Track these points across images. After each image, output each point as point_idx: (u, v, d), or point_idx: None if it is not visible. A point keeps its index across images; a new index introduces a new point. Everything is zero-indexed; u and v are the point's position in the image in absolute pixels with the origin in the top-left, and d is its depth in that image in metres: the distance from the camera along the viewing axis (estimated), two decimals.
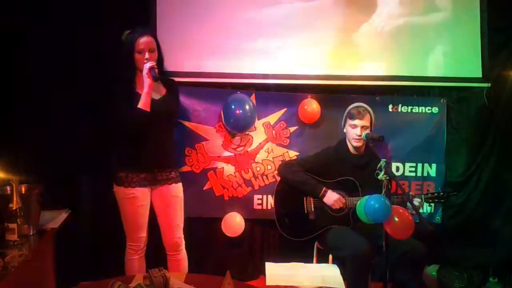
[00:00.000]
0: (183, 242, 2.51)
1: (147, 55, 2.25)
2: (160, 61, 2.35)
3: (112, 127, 2.38)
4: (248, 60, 2.95)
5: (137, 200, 2.35)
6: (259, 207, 3.01)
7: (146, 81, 2.23)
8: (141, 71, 2.26)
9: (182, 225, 2.50)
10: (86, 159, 2.82)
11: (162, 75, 2.39)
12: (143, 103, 2.24)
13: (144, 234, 2.42)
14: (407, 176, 3.03)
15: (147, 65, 2.22)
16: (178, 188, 2.46)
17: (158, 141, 2.35)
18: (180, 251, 2.49)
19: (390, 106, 3.02)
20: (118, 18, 2.76)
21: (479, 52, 2.99)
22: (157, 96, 2.35)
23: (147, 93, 2.24)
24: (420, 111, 3.02)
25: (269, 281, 2.24)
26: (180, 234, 2.49)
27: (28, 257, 1.82)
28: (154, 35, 2.34)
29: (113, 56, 2.75)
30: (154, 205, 2.45)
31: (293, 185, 2.65)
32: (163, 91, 2.40)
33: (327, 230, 2.59)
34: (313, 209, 2.65)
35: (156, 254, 2.54)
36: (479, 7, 2.98)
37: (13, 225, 1.91)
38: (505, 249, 3.05)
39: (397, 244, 2.34)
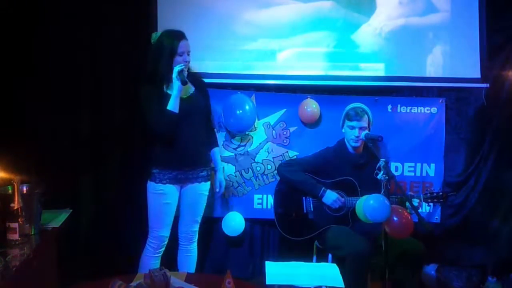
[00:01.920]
0: (197, 236, 2.58)
1: (186, 58, 2.34)
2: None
3: (145, 125, 2.41)
4: (248, 60, 2.96)
5: (165, 197, 2.41)
6: (259, 206, 3.02)
7: (176, 83, 2.29)
8: None
9: (199, 221, 2.57)
10: (87, 159, 2.82)
11: (190, 75, 2.45)
12: (172, 105, 2.29)
13: (165, 233, 2.46)
14: (406, 176, 3.04)
15: (176, 69, 2.28)
16: (206, 186, 2.54)
17: (190, 139, 2.40)
18: (192, 243, 2.57)
19: (389, 107, 3.03)
20: (119, 18, 2.78)
21: (478, 53, 3.00)
22: (186, 94, 2.41)
23: (176, 95, 2.30)
24: (419, 111, 3.03)
25: (269, 280, 2.25)
26: (196, 228, 2.56)
27: (29, 256, 1.83)
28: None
29: (113, 56, 2.78)
30: (180, 199, 2.50)
31: (292, 184, 2.66)
32: (191, 89, 2.46)
33: (326, 229, 2.60)
34: (312, 209, 2.66)
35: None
36: (478, 8, 2.99)
37: (15, 225, 1.92)
38: (504, 249, 3.06)
39: (396, 244, 2.35)
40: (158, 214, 2.43)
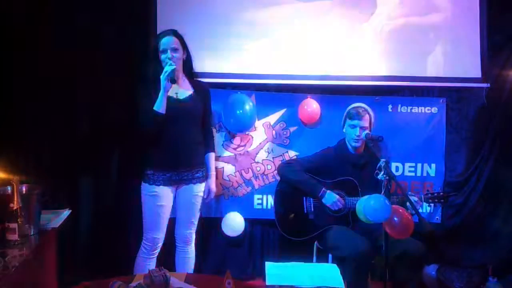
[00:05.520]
0: (194, 237, 2.56)
1: (169, 55, 2.30)
2: (188, 61, 2.42)
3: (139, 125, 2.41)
4: (248, 60, 2.95)
5: (158, 199, 2.38)
6: (259, 206, 3.02)
7: (163, 83, 2.27)
8: None
9: (196, 222, 2.54)
10: (86, 159, 2.82)
11: (191, 76, 2.45)
12: (158, 105, 2.27)
13: (158, 235, 2.43)
14: (406, 176, 3.03)
15: (165, 68, 2.26)
16: (201, 187, 2.51)
17: (184, 140, 2.38)
18: (189, 244, 2.54)
19: (390, 106, 3.03)
20: (119, 18, 2.77)
21: (479, 52, 2.99)
22: (182, 96, 2.40)
23: (163, 96, 2.28)
24: (419, 111, 3.03)
25: (269, 280, 2.25)
26: (192, 230, 2.54)
27: (28, 256, 1.82)
28: (178, 35, 2.37)
29: (113, 56, 2.77)
30: (175, 200, 2.48)
31: (292, 184, 2.66)
32: (191, 91, 2.44)
33: (326, 230, 2.60)
34: (312, 209, 2.65)
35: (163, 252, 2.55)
36: (478, 8, 2.98)
37: (14, 225, 1.91)
38: (505, 249, 3.05)
39: (396, 244, 2.35)
40: (152, 216, 2.40)
